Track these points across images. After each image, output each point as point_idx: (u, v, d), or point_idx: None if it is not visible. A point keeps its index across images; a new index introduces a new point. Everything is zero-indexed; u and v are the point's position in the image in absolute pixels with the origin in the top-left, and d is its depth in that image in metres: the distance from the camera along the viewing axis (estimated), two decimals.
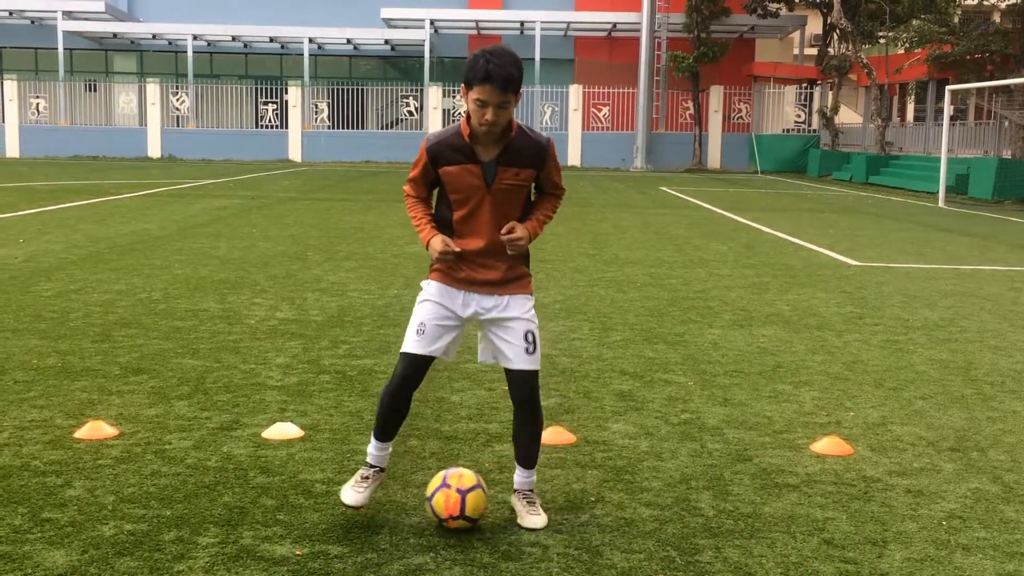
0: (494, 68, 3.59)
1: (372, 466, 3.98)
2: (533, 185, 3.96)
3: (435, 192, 3.98)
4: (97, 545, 3.60)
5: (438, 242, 3.84)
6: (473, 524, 3.82)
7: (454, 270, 3.89)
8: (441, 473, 3.93)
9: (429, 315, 3.88)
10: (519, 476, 4.00)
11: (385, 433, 3.98)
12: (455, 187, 3.83)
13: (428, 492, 3.87)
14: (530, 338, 3.88)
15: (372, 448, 4.00)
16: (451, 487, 3.81)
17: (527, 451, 3.98)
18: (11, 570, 3.39)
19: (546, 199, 4.03)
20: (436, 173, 3.85)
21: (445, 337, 3.89)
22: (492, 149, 3.77)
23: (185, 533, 3.72)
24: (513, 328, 3.87)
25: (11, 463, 4.45)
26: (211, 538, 3.69)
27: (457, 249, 3.82)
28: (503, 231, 3.82)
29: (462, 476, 3.87)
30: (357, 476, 3.97)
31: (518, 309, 3.90)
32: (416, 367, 3.88)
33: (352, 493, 3.89)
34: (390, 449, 4.03)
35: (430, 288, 3.93)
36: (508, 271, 3.90)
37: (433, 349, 3.87)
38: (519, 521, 3.89)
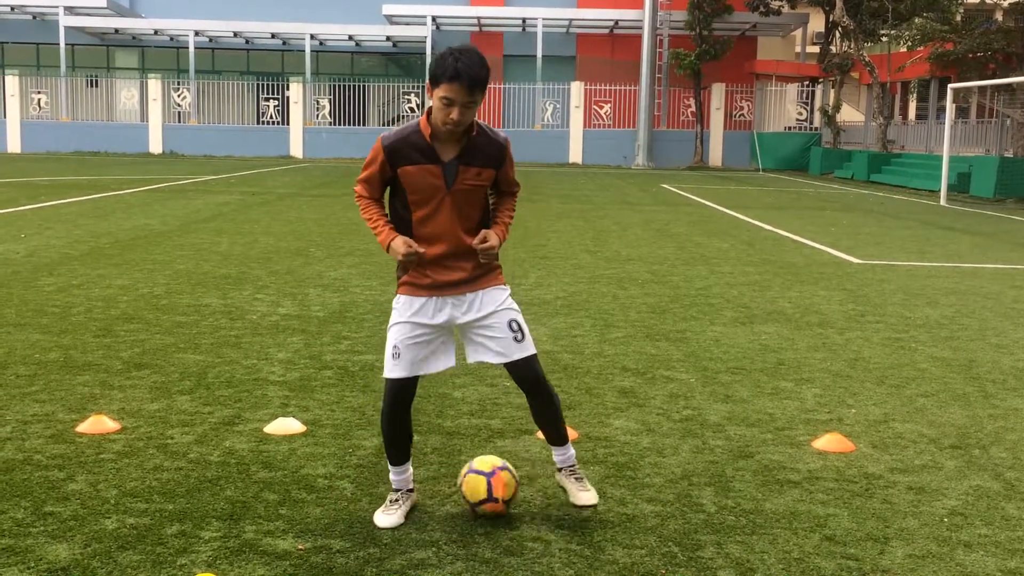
0: (463, 67, 3.53)
1: (398, 490, 3.95)
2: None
3: (386, 192, 3.89)
4: (100, 539, 3.60)
5: (400, 244, 3.73)
6: (506, 507, 3.90)
7: (419, 278, 3.80)
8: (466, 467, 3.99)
9: (401, 337, 3.82)
10: (557, 455, 3.95)
11: (398, 457, 3.94)
12: (414, 187, 3.73)
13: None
14: (515, 326, 3.82)
15: (392, 475, 3.97)
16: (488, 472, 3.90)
17: (553, 430, 3.93)
18: (14, 563, 3.40)
19: (505, 200, 3.97)
20: (393, 172, 3.75)
21: (422, 353, 3.84)
22: (452, 149, 3.71)
23: (187, 527, 3.73)
24: (495, 324, 3.81)
25: (13, 457, 4.45)
26: (213, 532, 3.69)
27: (422, 250, 3.73)
28: (476, 241, 3.76)
29: (483, 460, 3.98)
30: (387, 500, 3.94)
31: (494, 303, 3.83)
32: (401, 389, 3.85)
33: (384, 517, 3.86)
34: (410, 470, 3.99)
35: (399, 306, 3.86)
36: (474, 268, 3.83)
37: (412, 370, 3.83)
38: (571, 500, 3.87)
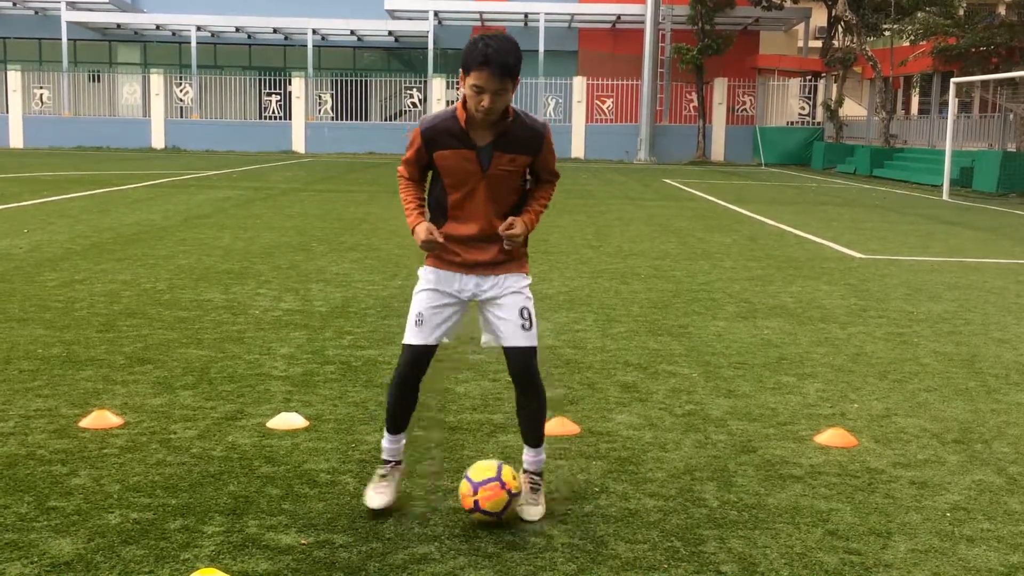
0: (492, 54, 3.54)
1: (388, 461, 3.96)
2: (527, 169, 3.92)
3: (429, 175, 3.94)
4: (103, 533, 3.61)
5: (423, 230, 3.79)
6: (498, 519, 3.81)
7: (448, 254, 3.86)
8: (493, 465, 3.82)
9: (426, 304, 3.87)
10: (527, 456, 3.96)
11: (396, 425, 3.96)
12: (449, 172, 3.78)
13: (478, 478, 3.76)
14: (525, 314, 3.84)
15: (385, 442, 3.98)
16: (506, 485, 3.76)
17: (531, 428, 3.94)
18: (18, 558, 3.40)
19: (541, 187, 3.98)
20: (430, 157, 3.80)
21: (445, 324, 3.88)
22: (488, 134, 3.73)
23: (191, 522, 3.73)
24: (507, 305, 3.84)
25: (17, 452, 4.46)
26: (216, 527, 3.70)
27: (440, 239, 3.78)
28: (502, 227, 3.79)
29: (514, 477, 3.84)
30: (375, 477, 3.94)
31: (513, 286, 3.86)
32: (418, 357, 3.88)
33: (375, 496, 3.86)
34: (404, 440, 4.01)
35: (426, 275, 3.91)
36: (500, 252, 3.86)
37: (434, 338, 3.87)
38: (518, 511, 3.86)
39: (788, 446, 4.83)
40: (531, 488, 3.91)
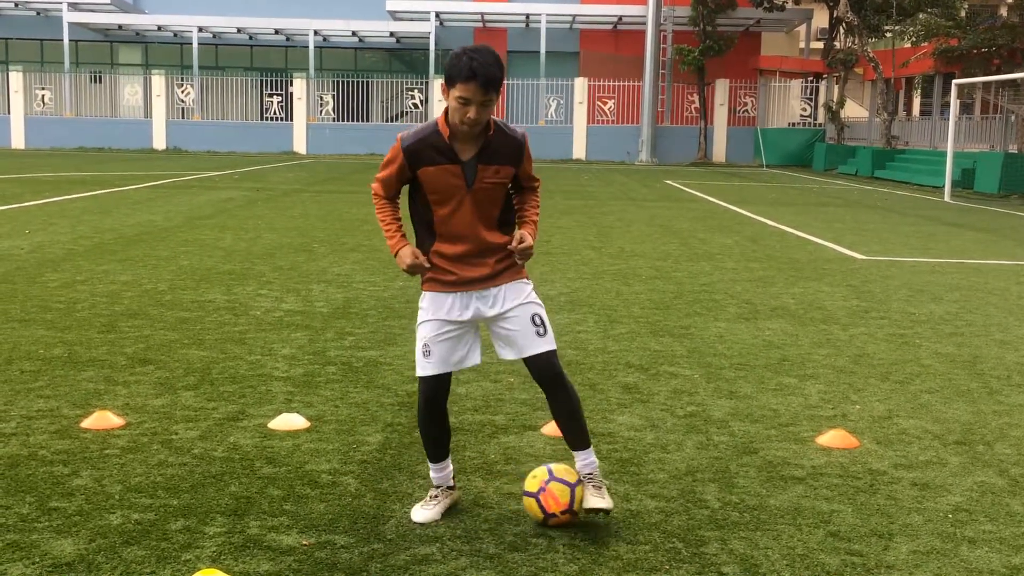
0: (477, 66, 3.54)
1: (438, 486, 3.95)
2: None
3: (402, 191, 3.90)
4: (104, 534, 3.61)
5: (407, 254, 3.78)
6: (575, 517, 3.81)
7: (443, 275, 3.81)
8: (543, 468, 3.88)
9: (430, 334, 3.82)
10: (579, 461, 3.86)
11: (436, 454, 3.94)
12: (434, 188, 3.74)
13: (532, 488, 3.80)
14: (538, 320, 3.81)
15: (432, 472, 3.96)
16: (562, 480, 3.79)
17: (573, 430, 3.85)
18: (19, 559, 3.40)
19: (529, 196, 3.98)
20: (413, 174, 3.76)
21: (453, 349, 3.83)
22: (471, 148, 3.71)
23: (192, 523, 3.74)
24: (518, 316, 3.80)
25: (18, 452, 4.46)
26: (218, 528, 3.70)
27: (427, 264, 3.78)
28: (514, 243, 3.78)
29: (568, 471, 3.86)
30: (426, 496, 3.94)
31: (517, 296, 3.83)
32: (435, 387, 3.84)
33: (420, 511, 3.86)
34: (450, 467, 3.98)
35: (426, 304, 3.85)
36: (496, 263, 3.83)
37: (445, 366, 3.82)
38: (584, 504, 3.77)
39: (790, 447, 4.83)
40: (594, 486, 3.80)
